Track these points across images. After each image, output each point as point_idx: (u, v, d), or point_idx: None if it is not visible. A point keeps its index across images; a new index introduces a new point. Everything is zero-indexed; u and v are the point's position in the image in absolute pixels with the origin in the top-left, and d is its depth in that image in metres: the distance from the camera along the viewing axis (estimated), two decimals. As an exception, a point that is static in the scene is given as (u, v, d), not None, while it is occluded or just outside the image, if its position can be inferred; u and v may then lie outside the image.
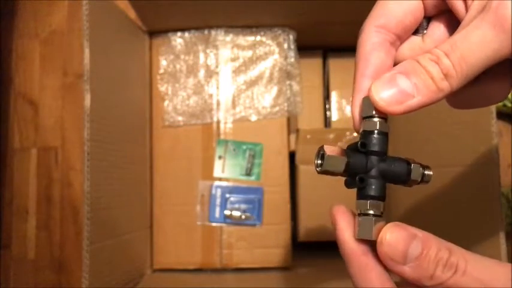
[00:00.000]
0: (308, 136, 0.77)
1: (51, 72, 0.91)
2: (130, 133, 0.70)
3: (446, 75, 0.19)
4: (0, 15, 0.91)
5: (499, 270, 0.18)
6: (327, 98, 0.84)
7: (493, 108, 0.46)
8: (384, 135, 0.21)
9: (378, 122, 0.21)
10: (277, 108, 0.76)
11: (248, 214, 0.74)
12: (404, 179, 0.21)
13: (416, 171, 0.21)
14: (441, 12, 0.23)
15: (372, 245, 0.21)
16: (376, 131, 0.21)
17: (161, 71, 0.77)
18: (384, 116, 0.21)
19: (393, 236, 0.19)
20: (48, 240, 0.87)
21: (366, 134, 0.21)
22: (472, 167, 0.49)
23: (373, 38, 0.22)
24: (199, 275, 0.73)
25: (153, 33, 0.78)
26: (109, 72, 0.62)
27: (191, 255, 0.74)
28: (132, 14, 0.70)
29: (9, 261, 0.86)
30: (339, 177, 0.22)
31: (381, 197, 0.21)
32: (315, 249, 0.81)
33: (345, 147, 0.22)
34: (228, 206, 0.75)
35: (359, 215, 0.21)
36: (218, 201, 0.75)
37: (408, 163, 0.21)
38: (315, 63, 0.85)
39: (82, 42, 0.55)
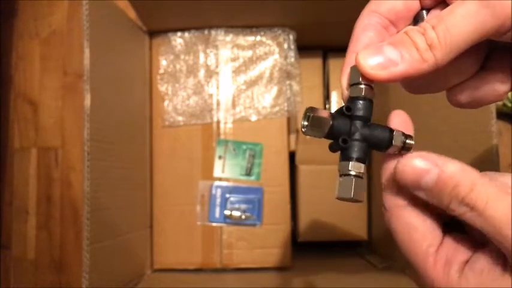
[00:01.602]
0: (308, 136, 0.77)
1: (51, 72, 0.91)
2: (130, 133, 0.70)
3: (430, 46, 0.20)
4: (0, 15, 0.91)
5: None
6: (327, 98, 0.84)
7: (493, 108, 0.46)
8: (369, 101, 0.22)
9: (364, 89, 0.22)
10: (277, 108, 0.76)
11: (248, 214, 0.74)
12: (386, 145, 0.22)
13: (397, 138, 0.22)
14: (439, 3, 0.23)
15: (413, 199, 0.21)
16: (361, 97, 0.22)
17: (161, 71, 0.77)
18: (370, 83, 0.22)
19: (409, 161, 0.20)
20: (48, 240, 0.87)
21: (352, 100, 0.22)
22: (472, 167, 0.49)
23: (365, 20, 0.24)
24: (199, 275, 0.73)
25: (153, 33, 0.78)
26: (109, 72, 0.62)
27: (191, 255, 0.74)
28: (132, 14, 0.70)
29: (9, 261, 0.86)
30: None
31: (362, 159, 0.21)
32: (315, 249, 0.81)
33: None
34: (228, 206, 0.75)
35: (340, 175, 0.22)
36: (218, 201, 0.74)
37: (391, 130, 0.22)
38: (315, 63, 0.85)
39: (82, 42, 0.55)
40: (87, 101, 0.55)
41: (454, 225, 0.21)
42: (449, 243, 0.21)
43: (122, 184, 0.65)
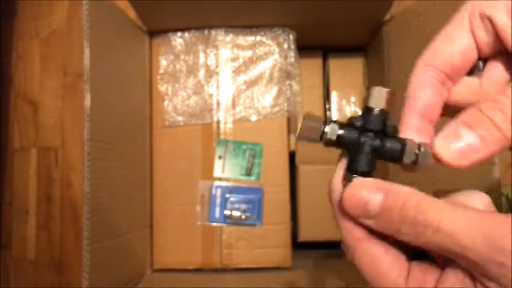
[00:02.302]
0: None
1: (51, 72, 0.91)
2: (130, 133, 0.70)
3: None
4: (0, 15, 0.91)
5: (472, 226, 0.17)
6: (327, 98, 0.84)
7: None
8: (385, 112, 0.21)
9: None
10: (277, 108, 0.76)
11: (248, 214, 0.74)
12: (398, 158, 0.21)
13: (409, 153, 0.21)
14: (497, 52, 0.22)
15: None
16: (377, 108, 0.21)
17: (161, 71, 0.77)
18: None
19: (352, 192, 0.19)
20: (48, 240, 0.87)
21: (367, 110, 0.22)
22: (472, 167, 0.49)
23: (421, 75, 0.22)
24: (199, 275, 0.73)
25: (153, 33, 0.78)
26: (109, 72, 0.62)
27: (191, 255, 0.74)
28: (132, 14, 0.70)
29: (9, 261, 0.86)
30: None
31: (367, 173, 0.21)
32: (315, 249, 0.81)
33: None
34: (228, 206, 0.75)
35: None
36: (218, 201, 0.74)
37: (404, 142, 0.21)
38: (315, 63, 0.85)
39: (82, 42, 0.55)
40: (87, 101, 0.55)
41: (417, 254, 0.21)
42: (417, 270, 0.20)
43: (122, 184, 0.65)
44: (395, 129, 0.22)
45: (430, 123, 0.22)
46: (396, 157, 0.21)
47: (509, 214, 0.17)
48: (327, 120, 0.22)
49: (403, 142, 0.21)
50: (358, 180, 0.20)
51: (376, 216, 0.19)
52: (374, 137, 0.21)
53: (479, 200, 0.20)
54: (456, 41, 0.22)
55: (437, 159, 0.19)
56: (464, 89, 0.23)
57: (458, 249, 0.17)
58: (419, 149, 0.21)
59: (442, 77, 0.22)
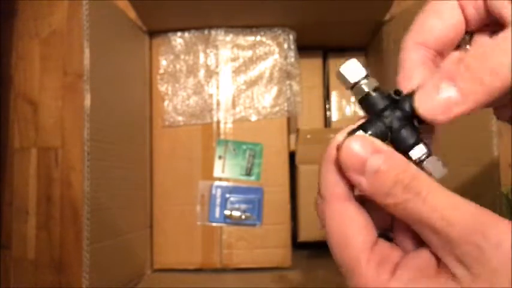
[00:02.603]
0: (308, 136, 0.77)
1: (51, 72, 0.91)
2: (130, 133, 0.70)
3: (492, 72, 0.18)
4: (0, 15, 0.91)
5: (462, 207, 0.17)
6: (327, 98, 0.84)
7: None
8: (378, 90, 0.21)
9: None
10: (277, 108, 0.76)
11: (248, 214, 0.74)
12: (403, 150, 0.21)
13: (416, 152, 0.20)
14: (484, 25, 0.22)
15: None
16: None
17: (161, 71, 0.77)
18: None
19: (355, 144, 0.18)
20: (48, 240, 0.87)
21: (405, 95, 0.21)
22: (472, 167, 0.49)
23: (412, 55, 0.22)
24: (199, 275, 0.73)
25: (153, 33, 0.78)
26: (109, 72, 0.62)
27: (191, 255, 0.74)
28: (132, 14, 0.70)
29: (9, 261, 0.86)
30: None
31: (382, 136, 0.20)
32: (315, 249, 0.81)
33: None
34: (228, 206, 0.75)
35: (420, 162, 0.20)
36: (218, 201, 0.74)
37: (418, 141, 0.20)
38: (315, 63, 0.85)
39: (82, 42, 0.55)
40: (87, 101, 0.55)
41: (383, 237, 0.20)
42: (384, 244, 0.20)
43: (122, 184, 0.65)
44: (399, 91, 0.21)
45: None
46: (404, 148, 0.20)
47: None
48: (369, 75, 0.21)
49: (418, 141, 0.20)
50: (362, 135, 0.19)
51: (371, 173, 0.18)
52: (399, 118, 0.20)
53: None
54: (446, 17, 0.21)
55: (418, 115, 0.19)
56: (450, 63, 0.22)
57: (439, 224, 0.17)
58: (428, 156, 0.20)
59: (433, 54, 0.22)
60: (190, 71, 0.76)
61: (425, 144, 0.20)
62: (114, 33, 0.65)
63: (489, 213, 0.17)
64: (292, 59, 0.77)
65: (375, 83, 0.21)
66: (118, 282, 0.63)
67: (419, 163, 0.20)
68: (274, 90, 0.76)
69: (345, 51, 0.84)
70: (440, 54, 0.22)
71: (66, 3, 0.92)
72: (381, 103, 0.21)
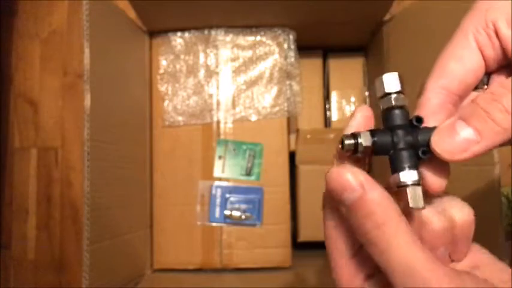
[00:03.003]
0: (308, 136, 0.77)
1: (51, 72, 0.91)
2: (130, 133, 0.70)
3: (507, 112, 0.18)
4: (0, 15, 0.91)
5: (417, 264, 0.18)
6: (327, 98, 0.84)
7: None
8: (404, 108, 0.21)
9: (396, 98, 0.21)
10: (277, 108, 0.76)
11: (248, 214, 0.74)
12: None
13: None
14: (502, 66, 0.22)
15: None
16: (396, 106, 0.21)
17: (161, 71, 0.77)
18: (401, 90, 0.22)
19: (337, 173, 0.20)
20: (48, 240, 0.87)
21: (387, 111, 0.22)
22: (472, 167, 0.49)
23: (433, 99, 0.22)
24: (199, 275, 0.73)
25: (153, 33, 0.78)
26: (109, 72, 0.62)
27: (191, 255, 0.74)
28: (132, 14, 0.70)
29: (9, 261, 0.86)
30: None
31: (414, 166, 0.21)
32: (315, 249, 0.81)
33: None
34: (228, 206, 0.75)
35: (404, 186, 0.21)
36: (218, 201, 0.74)
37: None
38: (315, 63, 0.85)
39: (82, 42, 0.55)
40: (87, 101, 0.55)
41: None
42: (362, 256, 0.21)
43: (122, 184, 0.65)
44: (421, 119, 0.21)
45: None
46: (398, 168, 0.21)
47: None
48: (402, 93, 0.21)
49: (413, 167, 0.21)
50: (351, 167, 0.20)
51: (346, 206, 0.19)
52: (408, 142, 0.21)
53: (459, 210, 0.21)
54: (467, 62, 0.21)
55: (436, 154, 0.20)
56: (467, 104, 0.22)
57: (391, 280, 0.18)
58: (415, 184, 0.21)
59: (455, 99, 0.22)
60: (190, 71, 0.76)
61: (418, 174, 0.21)
62: (114, 33, 0.65)
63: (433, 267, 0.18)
64: (292, 59, 0.77)
65: (402, 102, 0.22)
66: (118, 282, 0.63)
67: (403, 187, 0.20)
68: (274, 90, 0.76)
69: (344, 51, 0.84)
70: (461, 97, 0.22)
71: (66, 3, 0.92)
72: (399, 121, 0.21)
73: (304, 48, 0.80)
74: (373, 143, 0.21)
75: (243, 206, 0.75)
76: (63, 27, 0.92)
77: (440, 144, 0.20)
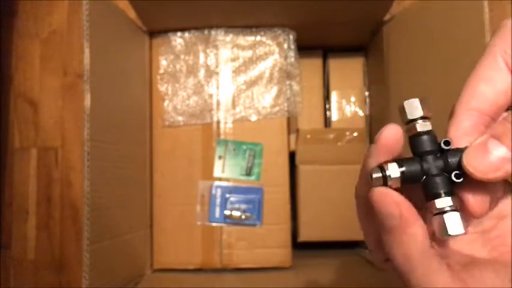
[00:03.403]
0: (308, 136, 0.77)
1: (51, 72, 0.91)
2: (130, 133, 0.70)
3: None
4: (0, 15, 0.91)
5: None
6: (327, 98, 0.84)
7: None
8: (431, 133, 0.21)
9: (421, 124, 0.21)
10: (277, 108, 0.76)
11: (248, 214, 0.74)
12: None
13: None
14: None
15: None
16: (422, 132, 0.21)
17: (161, 71, 0.77)
18: (427, 115, 0.21)
19: (386, 192, 0.20)
20: (48, 240, 0.87)
21: (414, 137, 0.22)
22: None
23: (465, 121, 0.21)
24: (199, 275, 0.73)
25: (153, 33, 0.78)
26: (109, 72, 0.62)
27: (191, 255, 0.74)
28: (132, 14, 0.70)
29: (9, 261, 0.86)
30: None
31: (448, 192, 0.21)
32: (315, 249, 0.81)
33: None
34: (228, 206, 0.75)
35: (434, 215, 0.21)
36: (218, 201, 0.74)
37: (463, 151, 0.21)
38: (315, 63, 0.85)
39: (82, 42, 0.55)
40: (87, 101, 0.55)
41: None
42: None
43: (122, 184, 0.65)
44: (449, 142, 0.21)
45: None
46: (432, 195, 0.21)
47: None
48: (427, 118, 0.22)
49: (448, 193, 0.20)
50: (393, 191, 0.20)
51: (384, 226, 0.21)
52: (439, 167, 0.21)
53: None
54: (497, 83, 0.21)
55: (468, 173, 0.19)
56: (499, 122, 0.22)
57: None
58: (452, 210, 0.20)
59: (487, 120, 0.22)
60: (190, 71, 0.76)
61: (454, 199, 0.20)
62: (114, 33, 0.65)
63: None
64: (292, 59, 0.77)
65: (428, 127, 0.21)
66: (118, 282, 0.63)
67: (439, 214, 0.20)
68: (274, 90, 0.76)
69: (344, 51, 0.84)
70: (493, 119, 0.22)
71: (66, 3, 0.92)
72: (427, 146, 0.21)
73: (304, 48, 0.80)
74: (402, 173, 0.21)
75: (243, 206, 0.75)
76: (63, 27, 0.92)
77: (472, 164, 0.19)
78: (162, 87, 0.77)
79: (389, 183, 0.21)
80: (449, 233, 0.20)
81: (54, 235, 0.87)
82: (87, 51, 0.55)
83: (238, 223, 0.74)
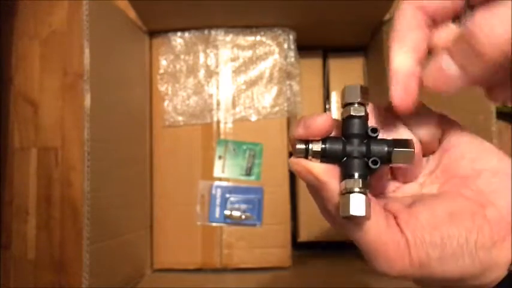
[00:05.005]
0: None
1: (51, 72, 0.91)
2: (130, 133, 0.70)
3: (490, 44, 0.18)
4: (0, 15, 0.91)
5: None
6: (327, 98, 0.84)
7: (493, 108, 0.46)
8: (363, 118, 0.22)
9: (356, 108, 0.22)
10: (277, 108, 0.76)
11: (248, 214, 0.74)
12: (387, 160, 0.22)
13: (397, 154, 0.22)
14: (485, 1, 0.22)
15: None
16: (356, 116, 0.22)
17: (161, 71, 0.77)
18: (363, 101, 0.22)
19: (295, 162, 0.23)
20: (48, 240, 0.87)
21: (347, 119, 0.22)
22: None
23: (410, 17, 0.22)
24: (199, 275, 0.73)
25: (153, 33, 0.78)
26: (109, 72, 0.62)
27: (191, 255, 0.74)
28: (132, 14, 0.70)
29: (9, 261, 0.86)
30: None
31: (363, 175, 0.21)
32: (315, 249, 0.81)
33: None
34: (228, 206, 0.75)
35: (347, 193, 0.21)
36: (218, 201, 0.74)
37: (390, 144, 0.22)
38: (315, 63, 0.85)
39: (82, 42, 0.55)
40: (87, 101, 0.55)
41: None
42: None
43: (122, 184, 0.65)
44: (376, 130, 0.22)
45: (417, 64, 0.22)
46: (346, 175, 0.21)
47: None
48: (363, 104, 0.22)
49: (361, 176, 0.21)
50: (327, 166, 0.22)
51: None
52: (360, 152, 0.22)
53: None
54: None
55: (425, 86, 0.21)
56: (446, 34, 0.23)
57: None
58: (360, 193, 0.20)
59: (429, 21, 0.22)
60: (190, 71, 0.76)
61: (365, 183, 0.21)
62: (114, 33, 0.65)
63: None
64: (292, 59, 0.77)
65: (361, 112, 0.22)
66: (118, 282, 0.63)
67: (347, 193, 0.20)
68: (274, 90, 0.76)
69: (344, 51, 0.84)
70: (437, 23, 0.22)
71: (66, 3, 0.92)
72: (355, 130, 0.22)
73: (304, 48, 0.80)
74: (323, 149, 0.22)
75: (243, 206, 0.75)
76: (63, 27, 0.92)
77: (426, 74, 0.20)
78: (162, 87, 0.77)
79: (309, 156, 0.22)
80: (351, 212, 0.20)
81: (54, 235, 0.87)
82: (87, 51, 0.55)
83: (238, 223, 0.74)
